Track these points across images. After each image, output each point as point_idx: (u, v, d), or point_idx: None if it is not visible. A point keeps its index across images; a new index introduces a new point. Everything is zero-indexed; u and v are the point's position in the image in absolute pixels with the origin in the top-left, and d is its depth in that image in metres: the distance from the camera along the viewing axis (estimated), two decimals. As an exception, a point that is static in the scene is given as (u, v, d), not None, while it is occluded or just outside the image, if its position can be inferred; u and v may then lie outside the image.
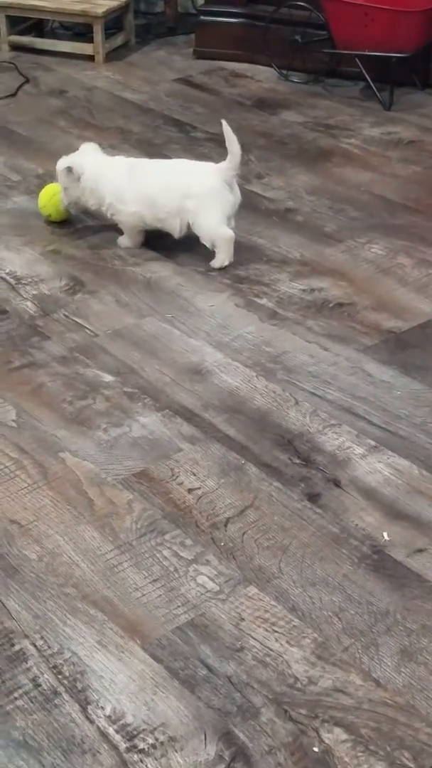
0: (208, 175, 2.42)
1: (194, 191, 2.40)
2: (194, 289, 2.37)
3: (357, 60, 3.33)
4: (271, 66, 3.63)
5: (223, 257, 2.44)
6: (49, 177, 2.71)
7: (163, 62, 3.85)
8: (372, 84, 3.34)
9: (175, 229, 2.46)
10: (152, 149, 2.99)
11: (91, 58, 3.81)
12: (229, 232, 2.41)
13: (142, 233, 2.52)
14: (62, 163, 2.52)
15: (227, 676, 1.41)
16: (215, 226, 2.41)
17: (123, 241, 2.54)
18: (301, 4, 3.47)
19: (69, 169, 2.49)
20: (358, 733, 1.31)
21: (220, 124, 2.40)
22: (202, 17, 3.84)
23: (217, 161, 2.45)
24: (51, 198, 2.59)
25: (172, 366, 2.08)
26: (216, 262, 2.45)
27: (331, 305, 2.30)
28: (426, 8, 3.23)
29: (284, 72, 3.60)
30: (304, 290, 2.36)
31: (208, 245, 2.43)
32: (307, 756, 1.29)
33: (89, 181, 2.48)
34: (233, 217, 2.44)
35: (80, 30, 3.98)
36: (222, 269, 2.42)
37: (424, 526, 1.65)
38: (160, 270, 2.45)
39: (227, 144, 2.38)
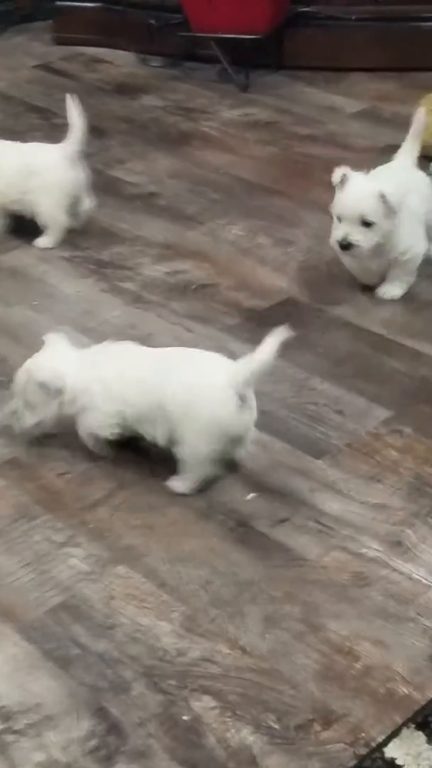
0: (50, 153, 2.43)
1: (36, 168, 2.41)
2: (59, 276, 2.37)
3: (212, 43, 3.37)
4: (129, 50, 3.63)
5: (51, 240, 2.46)
6: None
7: (22, 49, 3.80)
8: (228, 66, 3.38)
9: (27, 210, 2.45)
10: (14, 137, 2.95)
11: None
12: (65, 220, 2.40)
13: None
14: None
15: (99, 653, 1.44)
16: (53, 210, 2.42)
17: None
18: (155, -13, 3.48)
19: None
20: (226, 700, 1.36)
21: (83, 111, 2.40)
22: (58, 2, 3.80)
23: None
24: None
25: (38, 353, 2.08)
26: (41, 242, 2.47)
27: (194, 287, 2.34)
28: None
29: (143, 56, 3.61)
30: (167, 273, 2.39)
31: (40, 224, 2.45)
32: (177, 725, 1.33)
33: None
34: (86, 196, 2.45)
35: None
36: (64, 251, 2.41)
37: (287, 497, 1.72)
38: (25, 257, 2.44)
39: (69, 119, 2.39)
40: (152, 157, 2.94)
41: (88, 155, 2.50)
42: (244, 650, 1.44)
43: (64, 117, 2.43)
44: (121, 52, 3.68)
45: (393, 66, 3.36)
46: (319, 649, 1.43)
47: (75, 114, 2.38)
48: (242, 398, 1.66)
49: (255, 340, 2.12)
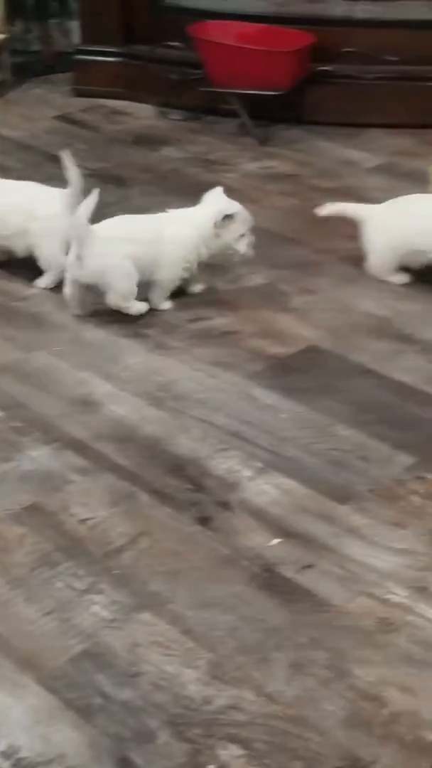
0: (53, 200, 2.49)
1: (38, 214, 2.47)
2: (81, 323, 2.39)
3: (233, 98, 3.43)
4: (149, 103, 3.70)
5: (48, 280, 2.51)
6: None
7: (42, 100, 3.88)
8: (248, 121, 3.44)
9: (19, 249, 2.52)
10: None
11: (-33, 97, 3.82)
12: (64, 262, 2.43)
13: None
14: None
15: (123, 702, 1.42)
16: (54, 253, 2.48)
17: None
18: (176, 44, 3.56)
19: None
20: (252, 747, 1.34)
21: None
22: (79, 56, 3.89)
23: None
24: None
25: (61, 399, 2.09)
26: (42, 282, 2.52)
27: (216, 333, 2.35)
28: (295, 48, 3.37)
29: (163, 109, 3.67)
30: (190, 320, 2.40)
31: (43, 268, 2.50)
32: (203, 774, 1.31)
33: None
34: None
35: None
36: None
37: (311, 543, 1.70)
38: (46, 304, 2.46)
39: (66, 173, 2.45)
40: (173, 207, 2.97)
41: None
42: (270, 697, 1.42)
43: (84, 167, 2.48)
44: (141, 105, 3.75)
45: (410, 123, 3.42)
46: (345, 695, 1.41)
47: (71, 168, 2.44)
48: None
49: (278, 387, 2.14)
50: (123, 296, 2.36)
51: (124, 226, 2.39)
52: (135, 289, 2.37)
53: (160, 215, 2.49)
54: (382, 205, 2.55)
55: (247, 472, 1.88)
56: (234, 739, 1.35)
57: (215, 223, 2.40)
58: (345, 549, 1.68)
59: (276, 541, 1.70)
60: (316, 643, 1.50)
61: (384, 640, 1.50)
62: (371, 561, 1.66)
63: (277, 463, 1.90)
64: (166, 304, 2.45)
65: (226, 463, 1.90)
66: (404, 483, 1.85)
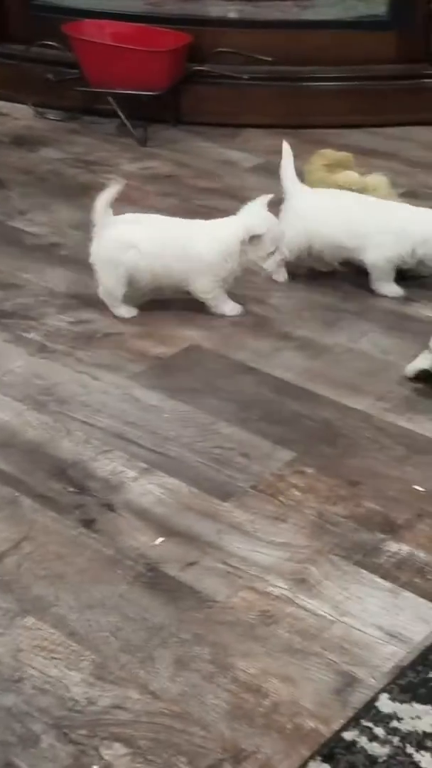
0: None
1: None
2: (-40, 328, 2.36)
3: (110, 98, 3.43)
4: (26, 103, 3.67)
5: None
6: None
7: None
8: (126, 121, 3.45)
9: None
10: None
11: None
12: None
13: None
14: None
15: (6, 707, 1.42)
16: None
17: None
18: (52, 43, 3.54)
19: None
20: (137, 745, 1.36)
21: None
22: None
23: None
24: None
25: None
26: None
27: (99, 336, 2.35)
28: (172, 48, 3.39)
29: (41, 110, 3.65)
30: (71, 322, 2.40)
31: None
32: (88, 774, 1.33)
33: None
34: None
35: None
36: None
37: (194, 541, 1.73)
38: None
39: None
40: (53, 208, 2.97)
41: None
42: (154, 695, 1.44)
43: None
44: (18, 105, 3.71)
45: (286, 123, 3.49)
46: (228, 688, 1.45)
47: None
48: None
49: (161, 387, 2.16)
50: (108, 295, 2.37)
51: (144, 233, 2.36)
52: (119, 294, 2.37)
53: (192, 226, 2.41)
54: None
55: (130, 473, 1.89)
56: (118, 738, 1.37)
57: (242, 241, 2.34)
58: (227, 545, 1.72)
59: (160, 540, 1.73)
60: (199, 639, 1.53)
61: (266, 633, 1.54)
62: (253, 556, 1.70)
63: (160, 463, 1.92)
64: (227, 309, 2.42)
65: (110, 465, 1.91)
66: (284, 478, 1.89)
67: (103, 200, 2.32)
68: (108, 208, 2.34)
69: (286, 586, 1.63)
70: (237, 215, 2.39)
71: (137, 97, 3.39)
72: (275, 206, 2.45)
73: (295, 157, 2.58)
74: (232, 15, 3.75)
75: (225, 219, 2.41)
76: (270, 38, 3.59)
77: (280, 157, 2.55)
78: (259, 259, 2.36)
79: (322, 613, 1.58)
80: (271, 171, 3.20)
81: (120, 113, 3.44)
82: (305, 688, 1.44)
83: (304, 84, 3.58)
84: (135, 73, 3.33)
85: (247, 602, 1.60)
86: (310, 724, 1.39)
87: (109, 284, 2.37)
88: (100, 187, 2.43)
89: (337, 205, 2.53)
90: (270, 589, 1.63)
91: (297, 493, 1.85)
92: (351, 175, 2.82)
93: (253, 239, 2.33)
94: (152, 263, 2.34)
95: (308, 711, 1.41)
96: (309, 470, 1.91)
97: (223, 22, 3.67)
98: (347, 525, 1.77)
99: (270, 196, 2.38)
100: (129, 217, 2.40)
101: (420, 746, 1.35)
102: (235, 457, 1.95)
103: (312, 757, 1.33)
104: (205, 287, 2.38)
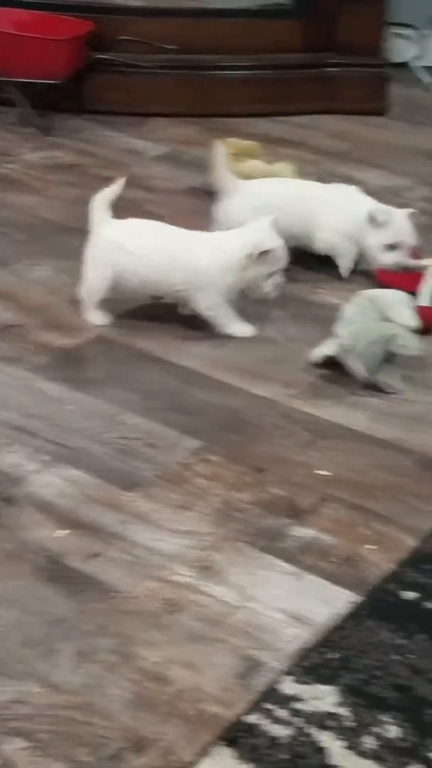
0: None
1: None
2: None
3: (11, 86, 3.37)
4: None
5: None
6: None
7: None
8: (29, 110, 3.39)
9: None
10: None
11: None
12: None
13: None
14: None
15: None
16: None
17: None
18: None
19: None
20: (37, 739, 1.34)
21: None
22: None
23: None
24: None
25: None
26: None
27: (0, 328, 2.31)
28: (71, 36, 3.35)
29: None
30: (-28, 316, 2.36)
31: None
32: (-13, 771, 1.30)
33: None
34: None
35: None
36: None
37: (98, 532, 1.72)
38: None
39: None
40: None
41: None
42: (56, 687, 1.42)
43: None
44: None
45: (191, 112, 3.48)
46: (131, 678, 1.44)
47: None
48: None
49: (65, 379, 2.14)
50: (88, 294, 2.32)
51: (137, 236, 2.28)
52: (99, 296, 2.31)
53: (193, 236, 2.30)
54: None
55: (32, 466, 1.87)
56: (18, 733, 1.35)
57: (248, 255, 2.23)
58: (131, 535, 1.71)
59: (62, 532, 1.71)
60: (102, 630, 1.52)
61: (169, 621, 1.54)
62: (157, 545, 1.69)
63: (64, 455, 1.90)
64: (236, 329, 2.32)
65: (10, 458, 1.88)
66: (190, 466, 1.89)
67: (101, 199, 2.27)
68: (107, 207, 2.27)
69: (190, 574, 1.63)
70: (241, 230, 2.28)
71: (39, 86, 3.34)
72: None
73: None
74: (137, 3, 3.72)
75: (230, 231, 2.32)
76: (175, 27, 3.58)
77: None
78: (258, 279, 2.26)
79: (227, 599, 1.58)
80: (176, 160, 3.22)
81: (21, 102, 3.38)
82: (208, 674, 1.44)
83: (210, 73, 3.58)
84: (34, 62, 3.28)
85: (150, 591, 1.59)
86: (213, 709, 1.39)
87: (92, 282, 2.30)
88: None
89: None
90: (174, 577, 1.62)
91: (203, 481, 1.85)
92: (256, 164, 2.84)
93: (261, 255, 2.23)
94: (140, 267, 2.25)
95: (211, 696, 1.41)
96: (215, 458, 1.91)
97: (127, 10, 3.63)
98: (252, 511, 1.78)
99: (274, 218, 2.27)
100: (129, 220, 2.32)
101: (322, 726, 1.36)
102: (141, 448, 1.94)
103: (214, 742, 1.33)
104: (207, 303, 2.29)
